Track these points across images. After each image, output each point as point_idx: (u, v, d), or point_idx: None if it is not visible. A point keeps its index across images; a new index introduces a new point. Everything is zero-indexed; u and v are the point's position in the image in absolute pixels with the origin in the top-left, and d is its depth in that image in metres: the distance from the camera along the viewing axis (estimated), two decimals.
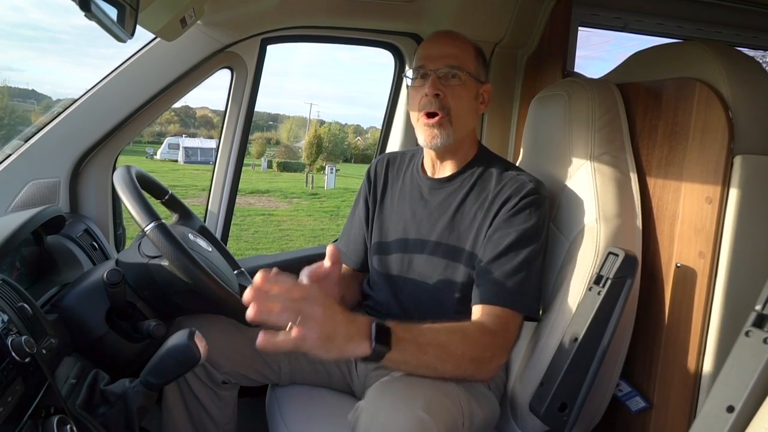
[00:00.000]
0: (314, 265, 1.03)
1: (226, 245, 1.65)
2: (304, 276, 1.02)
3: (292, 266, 1.37)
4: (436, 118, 1.20)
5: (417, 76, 1.24)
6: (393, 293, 1.31)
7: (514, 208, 1.17)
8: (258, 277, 0.82)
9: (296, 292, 0.83)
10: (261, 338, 0.81)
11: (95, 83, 1.50)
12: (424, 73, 1.22)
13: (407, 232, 1.31)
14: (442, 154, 1.29)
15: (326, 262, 1.03)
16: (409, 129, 1.88)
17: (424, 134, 1.23)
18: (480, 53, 1.28)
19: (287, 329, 0.82)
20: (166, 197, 1.36)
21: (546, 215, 1.20)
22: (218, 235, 1.77)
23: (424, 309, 1.26)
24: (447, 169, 1.30)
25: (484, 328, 1.08)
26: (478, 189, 1.25)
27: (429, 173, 1.33)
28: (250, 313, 0.80)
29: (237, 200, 1.84)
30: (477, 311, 1.14)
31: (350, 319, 0.90)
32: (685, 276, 1.10)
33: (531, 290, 1.15)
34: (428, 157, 1.33)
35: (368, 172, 1.46)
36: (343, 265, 1.41)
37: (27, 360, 0.78)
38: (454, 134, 1.22)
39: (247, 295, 0.80)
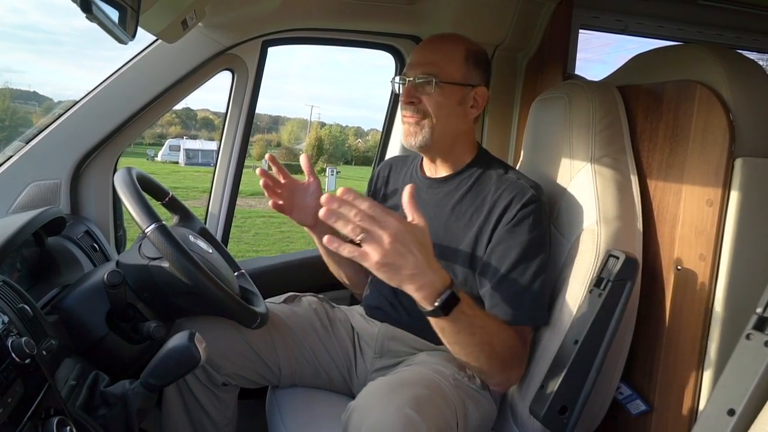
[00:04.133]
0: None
1: (226, 247, 1.65)
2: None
3: (293, 268, 1.38)
4: (414, 118, 1.24)
5: (402, 82, 1.27)
6: (392, 292, 1.31)
7: (515, 217, 1.16)
8: (340, 190, 0.88)
9: (370, 210, 0.87)
10: (328, 239, 0.88)
11: (96, 85, 1.50)
12: (404, 80, 1.25)
13: None
14: (431, 155, 1.31)
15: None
16: None
17: (403, 132, 1.27)
18: (473, 56, 1.26)
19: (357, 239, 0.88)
20: (167, 199, 1.37)
21: (547, 221, 1.20)
22: (219, 236, 1.77)
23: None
24: (443, 170, 1.31)
25: (516, 336, 1.12)
26: (475, 191, 1.25)
27: (428, 173, 1.34)
28: (321, 212, 0.87)
29: (237, 202, 1.84)
30: None
31: (428, 266, 0.93)
32: (686, 278, 1.10)
33: (544, 302, 1.16)
34: (425, 157, 1.35)
35: (371, 177, 1.50)
36: None
37: (27, 361, 0.78)
38: (431, 136, 1.23)
39: (323, 198, 0.87)
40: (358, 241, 0.88)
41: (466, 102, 1.26)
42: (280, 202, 1.33)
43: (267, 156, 1.37)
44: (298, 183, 1.35)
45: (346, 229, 0.87)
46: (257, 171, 1.28)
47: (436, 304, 0.94)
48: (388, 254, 0.87)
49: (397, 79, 1.28)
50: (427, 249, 0.94)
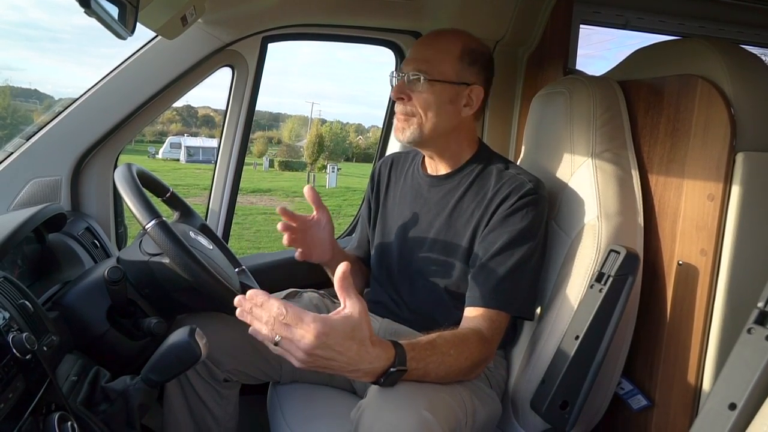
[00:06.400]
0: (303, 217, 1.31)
1: (227, 243, 1.65)
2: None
3: (294, 264, 1.38)
4: (402, 115, 1.24)
5: (396, 77, 1.27)
6: (394, 289, 1.31)
7: (511, 208, 1.16)
8: (249, 292, 0.86)
9: (280, 318, 0.84)
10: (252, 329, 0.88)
11: (96, 82, 1.50)
12: (399, 75, 1.25)
13: (406, 229, 1.31)
14: (426, 151, 1.32)
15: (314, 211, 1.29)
16: None
17: (394, 127, 1.28)
18: (468, 54, 1.23)
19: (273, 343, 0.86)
20: (167, 195, 1.36)
21: (543, 215, 1.19)
22: (219, 233, 1.77)
23: (423, 305, 1.26)
24: (443, 167, 1.31)
25: (482, 337, 1.08)
26: (476, 187, 1.25)
27: (429, 171, 1.34)
28: (238, 313, 0.88)
29: (239, 199, 1.84)
30: (471, 313, 1.13)
31: (361, 359, 0.87)
32: (687, 273, 1.10)
33: (524, 291, 1.15)
34: (423, 153, 1.35)
35: (372, 173, 1.49)
36: (355, 256, 1.51)
37: (28, 357, 0.78)
38: (420, 133, 1.23)
39: (236, 300, 0.88)
40: (275, 344, 0.85)
41: (458, 100, 1.23)
42: (300, 250, 1.32)
43: (278, 209, 1.29)
44: (308, 220, 1.32)
45: (263, 331, 0.86)
46: (279, 227, 1.27)
47: (381, 381, 0.92)
48: (306, 363, 0.85)
49: (394, 74, 1.29)
50: (361, 340, 0.87)
